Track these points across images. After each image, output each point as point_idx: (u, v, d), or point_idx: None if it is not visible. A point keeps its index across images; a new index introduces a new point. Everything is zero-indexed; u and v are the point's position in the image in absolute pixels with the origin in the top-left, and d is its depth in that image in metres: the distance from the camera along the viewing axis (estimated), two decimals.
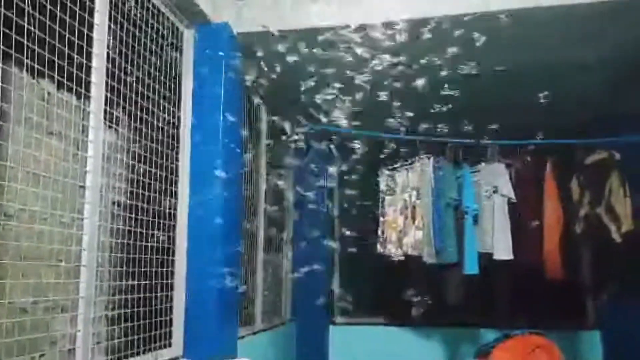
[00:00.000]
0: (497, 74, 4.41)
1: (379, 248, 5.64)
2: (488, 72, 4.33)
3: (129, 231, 3.05)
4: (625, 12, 3.62)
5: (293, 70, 4.05)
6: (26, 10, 2.26)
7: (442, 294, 5.95)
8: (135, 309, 3.07)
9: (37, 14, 2.31)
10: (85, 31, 2.63)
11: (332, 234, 6.80)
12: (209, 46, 3.75)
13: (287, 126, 5.42)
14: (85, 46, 2.62)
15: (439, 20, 3.65)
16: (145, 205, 3.18)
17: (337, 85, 4.20)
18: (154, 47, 3.32)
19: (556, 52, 4.13)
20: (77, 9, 2.56)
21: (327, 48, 3.89)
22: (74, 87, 2.57)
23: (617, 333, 5.89)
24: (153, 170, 3.28)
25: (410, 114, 4.71)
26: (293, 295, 6.19)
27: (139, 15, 3.16)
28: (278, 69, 4.13)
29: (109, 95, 2.82)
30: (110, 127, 2.88)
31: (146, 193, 3.20)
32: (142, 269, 3.14)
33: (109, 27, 2.85)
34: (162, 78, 3.41)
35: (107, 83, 2.80)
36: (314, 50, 3.92)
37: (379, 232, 5.67)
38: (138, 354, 3.04)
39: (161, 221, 3.37)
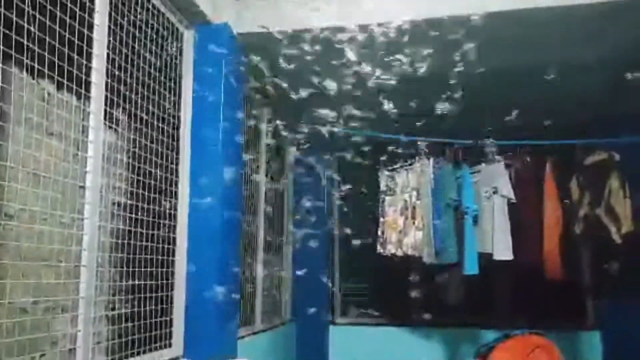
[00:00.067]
0: (497, 74, 4.41)
1: (379, 248, 5.64)
2: (488, 72, 4.33)
3: (129, 231, 3.05)
4: (625, 12, 3.62)
5: (293, 70, 4.05)
6: (26, 11, 2.26)
7: (442, 294, 5.96)
8: (136, 309, 3.07)
9: (37, 15, 2.31)
10: (85, 32, 2.63)
11: (332, 235, 6.80)
12: (209, 47, 3.75)
13: (287, 126, 5.43)
14: (85, 47, 2.62)
15: (438, 20, 3.65)
16: (145, 206, 3.19)
17: (338, 84, 4.20)
18: (154, 47, 3.32)
19: (556, 52, 4.13)
20: (77, 10, 2.56)
21: (327, 48, 3.89)
22: (74, 87, 2.58)
23: (617, 333, 5.89)
24: (153, 171, 3.28)
25: (410, 115, 4.72)
26: (293, 296, 6.19)
27: (138, 15, 3.16)
28: (278, 68, 4.14)
29: (109, 95, 2.82)
30: (110, 127, 2.88)
31: (146, 193, 3.20)
32: (142, 269, 3.14)
33: (109, 27, 2.85)
34: (162, 78, 3.42)
35: (107, 83, 2.81)
36: (314, 50, 3.92)
37: (379, 233, 5.67)
38: (138, 354, 3.04)
39: (161, 221, 3.37)
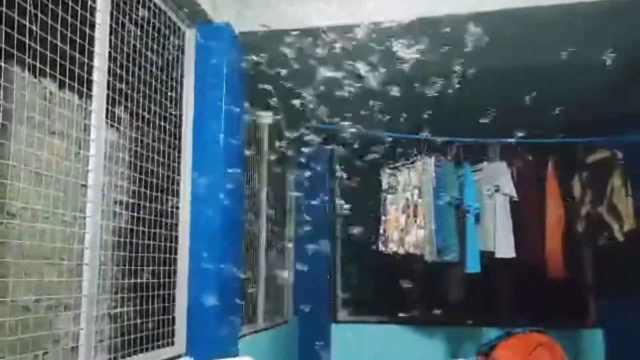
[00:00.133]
0: (497, 73, 4.41)
1: (381, 246, 5.65)
2: (489, 71, 4.33)
3: (131, 230, 3.06)
4: (626, 11, 3.61)
5: (294, 69, 4.05)
6: (28, 10, 2.26)
7: (444, 292, 5.97)
8: (138, 307, 3.08)
9: (38, 13, 2.32)
10: (87, 30, 2.64)
11: (334, 233, 6.81)
12: (210, 45, 3.76)
13: (288, 125, 5.43)
14: (87, 45, 2.63)
15: (438, 19, 3.65)
16: (147, 204, 3.19)
17: (338, 84, 4.21)
18: (155, 46, 3.32)
19: (557, 51, 4.12)
20: (79, 9, 2.57)
21: (327, 47, 3.89)
22: (76, 86, 2.58)
23: (619, 331, 5.89)
24: (155, 169, 3.29)
25: (411, 113, 4.73)
26: (295, 294, 6.20)
27: (140, 14, 3.16)
28: (279, 67, 4.14)
29: (110, 94, 2.83)
30: (112, 126, 2.89)
31: (148, 192, 3.21)
32: (145, 268, 3.15)
33: (111, 26, 2.85)
34: (163, 77, 3.42)
35: (108, 82, 2.81)
36: (315, 49, 3.92)
37: (381, 231, 5.67)
38: (140, 351, 3.05)
39: (163, 220, 3.37)
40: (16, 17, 2.19)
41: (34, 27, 2.29)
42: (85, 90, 2.64)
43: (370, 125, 4.77)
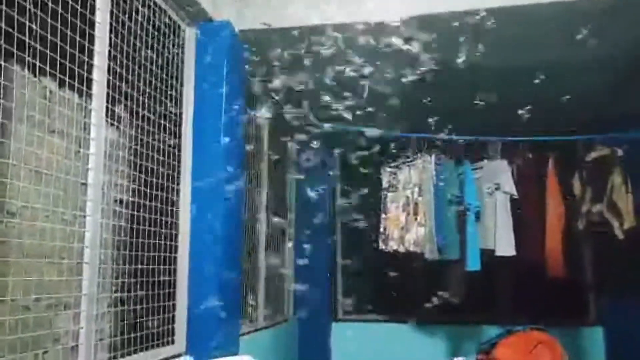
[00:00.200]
0: (497, 71, 4.41)
1: (381, 245, 5.65)
2: (489, 69, 4.33)
3: (132, 228, 3.05)
4: (626, 8, 3.61)
5: (294, 67, 4.05)
6: (28, 8, 2.26)
7: (444, 290, 5.97)
8: (138, 306, 3.08)
9: (38, 12, 2.32)
10: (87, 29, 2.63)
11: (334, 231, 6.81)
12: (210, 44, 3.75)
13: (289, 123, 5.43)
14: (86, 44, 2.62)
15: (437, 18, 3.65)
16: (147, 203, 3.19)
17: (338, 83, 4.20)
18: (155, 44, 3.32)
19: (557, 49, 4.12)
20: (79, 7, 2.56)
21: (328, 45, 3.89)
22: (76, 85, 2.58)
23: (620, 329, 5.89)
24: (155, 168, 3.29)
25: (412, 112, 4.72)
26: (295, 293, 6.20)
27: (140, 13, 3.16)
28: (280, 65, 4.13)
29: (110, 93, 2.83)
30: (112, 124, 2.89)
31: (148, 190, 3.20)
32: (145, 266, 3.14)
33: (111, 25, 2.85)
34: (163, 76, 3.42)
35: (108, 81, 2.81)
36: (315, 47, 3.92)
37: (381, 229, 5.67)
38: (141, 350, 3.05)
39: (163, 218, 3.37)
40: (16, 16, 2.19)
41: (33, 26, 2.29)
42: (85, 89, 2.64)
43: (371, 123, 4.76)
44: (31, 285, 2.34)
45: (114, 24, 2.88)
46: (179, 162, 3.59)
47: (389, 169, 5.74)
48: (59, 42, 2.42)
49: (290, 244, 6.15)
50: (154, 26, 3.30)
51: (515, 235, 5.20)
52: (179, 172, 3.58)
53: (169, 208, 3.45)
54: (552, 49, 4.10)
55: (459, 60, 4.16)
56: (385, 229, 5.63)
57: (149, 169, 3.23)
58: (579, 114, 5.26)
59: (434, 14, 3.66)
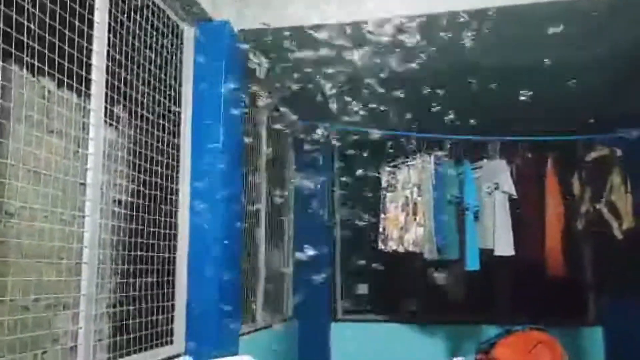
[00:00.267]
0: (497, 71, 4.41)
1: (380, 245, 5.65)
2: (488, 69, 4.33)
3: (130, 228, 3.05)
4: (626, 8, 3.61)
5: (294, 66, 4.05)
6: (26, 9, 2.26)
7: (443, 290, 5.97)
8: (137, 307, 3.08)
9: (37, 12, 2.31)
10: (86, 29, 2.63)
11: (334, 231, 6.80)
12: (209, 44, 3.75)
13: (288, 123, 5.43)
14: (85, 44, 2.62)
15: (437, 17, 3.65)
16: (146, 203, 3.19)
17: (338, 82, 4.20)
18: (154, 44, 3.32)
19: (556, 48, 4.12)
20: (77, 7, 2.56)
21: (328, 45, 3.89)
22: (75, 85, 2.58)
23: (619, 329, 5.89)
24: (154, 168, 3.28)
25: (412, 111, 4.72)
26: (295, 292, 6.19)
27: (139, 13, 3.16)
28: (279, 65, 4.13)
29: (109, 93, 2.82)
30: (110, 124, 2.88)
31: (147, 191, 3.20)
32: (144, 267, 3.14)
33: (109, 25, 2.85)
34: (162, 76, 3.41)
35: (107, 81, 2.80)
36: (315, 47, 3.92)
37: (380, 229, 5.67)
38: (140, 350, 3.05)
39: (162, 218, 3.37)
40: (14, 16, 2.19)
41: (32, 26, 2.29)
42: (83, 88, 2.64)
43: (371, 123, 4.76)
44: (30, 286, 2.34)
45: (112, 23, 2.88)
46: (177, 162, 3.58)
47: (388, 169, 5.74)
48: (57, 42, 2.42)
49: (289, 244, 6.14)
50: (152, 26, 3.30)
51: (515, 235, 5.20)
52: (177, 172, 3.58)
53: (168, 208, 3.44)
54: (552, 49, 4.10)
55: (459, 60, 4.16)
56: (384, 229, 5.63)
57: (148, 169, 3.22)
58: (579, 114, 5.26)
59: (433, 13, 3.65)
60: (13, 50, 2.20)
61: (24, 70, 2.31)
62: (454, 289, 5.89)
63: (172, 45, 3.55)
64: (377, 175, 5.82)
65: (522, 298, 6.02)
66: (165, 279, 3.38)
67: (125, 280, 2.99)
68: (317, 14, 3.75)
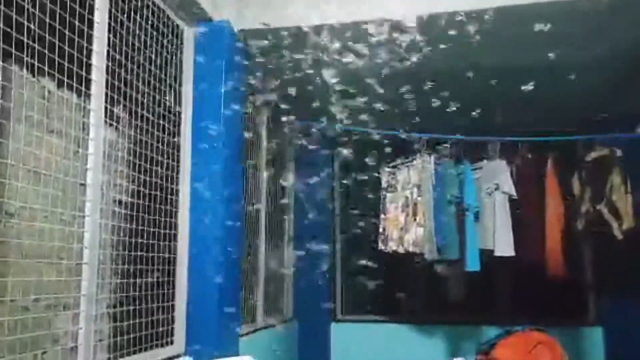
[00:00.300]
0: (496, 71, 4.41)
1: (381, 245, 5.64)
2: (488, 69, 4.33)
3: (130, 229, 3.05)
4: (626, 9, 3.61)
5: (294, 66, 4.05)
6: (26, 9, 2.26)
7: (443, 290, 5.97)
8: (137, 307, 3.07)
9: (37, 12, 2.31)
10: (86, 29, 2.63)
11: (334, 232, 6.80)
12: (209, 44, 3.75)
13: (288, 123, 5.43)
14: (85, 44, 2.62)
15: (436, 17, 3.65)
16: (146, 203, 3.19)
17: (338, 82, 4.20)
18: (154, 44, 3.31)
19: (556, 49, 4.12)
20: (77, 7, 2.56)
21: (328, 45, 3.89)
22: (75, 85, 2.58)
23: (619, 329, 5.89)
24: (154, 168, 3.28)
25: (411, 111, 4.72)
26: (295, 293, 6.19)
27: (139, 13, 3.16)
28: (279, 65, 4.13)
29: (109, 93, 2.82)
30: (110, 124, 2.88)
31: (147, 191, 3.20)
32: (144, 267, 3.14)
33: (109, 25, 2.85)
34: (162, 76, 3.41)
35: (107, 81, 2.80)
36: (315, 47, 3.92)
37: (380, 229, 5.67)
38: (140, 351, 3.05)
39: (163, 219, 3.37)
40: (15, 16, 2.19)
41: (32, 26, 2.28)
42: (83, 89, 2.64)
43: (371, 123, 4.76)
44: (30, 286, 2.34)
45: (112, 24, 2.88)
46: (178, 162, 3.58)
47: (387, 169, 5.74)
48: (57, 42, 2.42)
49: (289, 245, 6.14)
50: (153, 26, 3.29)
51: (515, 235, 5.20)
52: (178, 172, 3.57)
53: (168, 208, 3.44)
54: (552, 49, 4.10)
55: (458, 60, 4.16)
56: (384, 229, 5.63)
57: (148, 169, 3.22)
58: (579, 114, 5.26)
59: (433, 14, 3.65)
60: (13, 51, 2.19)
61: (24, 70, 2.31)
62: (454, 290, 5.89)
63: (172, 45, 3.55)
64: (377, 175, 5.81)
65: (522, 298, 6.02)
66: (166, 279, 3.38)
67: (125, 281, 2.99)
68: (317, 14, 3.75)
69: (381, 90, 4.29)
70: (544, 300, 5.74)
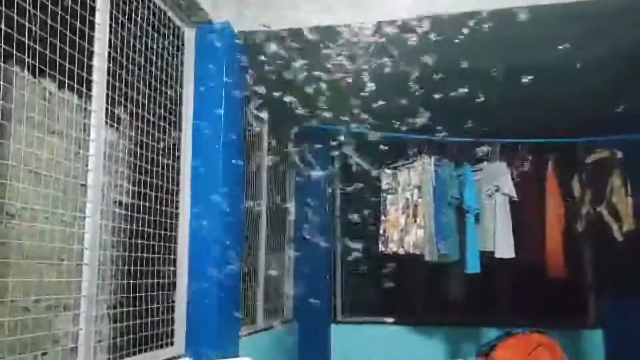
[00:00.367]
0: (496, 72, 4.41)
1: (381, 247, 5.64)
2: (488, 70, 4.33)
3: (131, 230, 3.05)
4: (626, 10, 3.61)
5: (294, 68, 4.05)
6: (27, 10, 2.26)
7: (443, 292, 5.97)
8: (137, 308, 3.07)
9: (38, 13, 2.32)
10: (87, 30, 2.63)
11: (334, 233, 6.80)
12: (210, 45, 3.75)
13: (288, 125, 5.43)
14: (86, 45, 2.62)
15: (436, 19, 3.65)
16: (147, 204, 3.19)
17: (338, 84, 4.21)
18: (155, 46, 3.32)
19: (556, 50, 4.12)
20: (79, 8, 2.56)
21: (328, 46, 3.89)
22: (76, 86, 2.58)
23: (619, 331, 5.89)
24: (154, 169, 3.28)
25: (412, 113, 4.72)
26: (295, 294, 6.19)
27: (140, 14, 3.16)
28: (279, 66, 4.13)
29: (110, 94, 2.82)
30: (111, 125, 2.89)
31: (148, 192, 3.20)
32: (144, 268, 3.14)
33: (110, 26, 2.85)
34: (163, 77, 3.42)
35: (108, 82, 2.81)
36: (315, 48, 3.92)
37: (381, 231, 5.67)
38: (140, 352, 3.05)
39: (163, 220, 3.37)
40: (16, 17, 2.19)
41: (33, 27, 2.29)
42: (84, 90, 2.64)
43: (371, 124, 4.76)
44: (31, 287, 2.34)
45: (113, 25, 2.88)
46: (178, 163, 3.58)
47: (388, 171, 5.75)
48: (58, 44, 2.42)
49: (289, 246, 6.14)
50: (153, 27, 3.30)
51: (515, 237, 5.20)
52: (178, 173, 3.58)
53: (169, 209, 3.44)
54: (551, 50, 4.10)
55: (458, 61, 4.16)
56: (384, 231, 5.63)
57: (149, 170, 3.22)
58: (579, 114, 5.26)
59: (433, 15, 3.65)
60: (14, 52, 2.20)
61: (25, 71, 2.31)
62: (454, 291, 5.89)
63: (172, 46, 3.55)
64: (377, 177, 5.82)
65: (523, 300, 6.02)
66: (166, 280, 3.38)
67: (126, 282, 2.99)
68: (317, 15, 3.75)
69: (382, 92, 4.30)
70: (544, 302, 5.74)
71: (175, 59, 3.58)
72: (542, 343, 4.98)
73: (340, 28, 3.78)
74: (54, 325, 2.45)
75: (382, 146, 5.09)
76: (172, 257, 3.47)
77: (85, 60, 2.61)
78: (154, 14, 3.31)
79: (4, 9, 2.13)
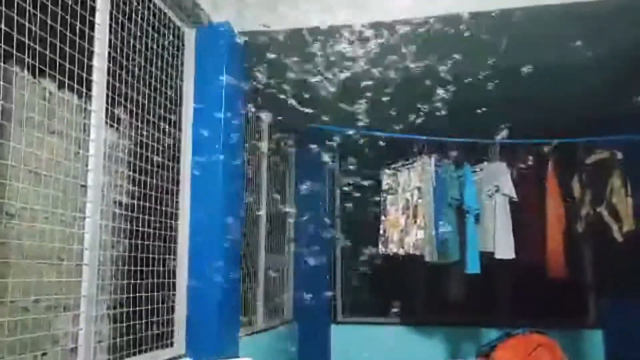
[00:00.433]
0: (497, 73, 4.41)
1: (381, 247, 5.64)
2: (489, 71, 4.32)
3: (131, 230, 3.05)
4: (626, 10, 3.61)
5: (294, 68, 4.05)
6: (27, 10, 2.26)
7: (443, 293, 5.96)
8: (137, 308, 3.07)
9: (38, 13, 2.31)
10: (87, 30, 2.63)
11: (334, 234, 6.80)
12: (210, 45, 3.75)
13: (288, 125, 5.43)
14: (86, 45, 2.62)
15: (434, 20, 3.65)
16: (146, 204, 3.19)
17: (339, 84, 4.20)
18: (155, 46, 3.32)
19: (557, 50, 4.12)
20: (79, 8, 2.56)
21: (328, 46, 3.89)
22: (75, 86, 2.58)
23: (619, 332, 5.89)
24: (155, 169, 3.28)
25: (412, 113, 4.72)
26: (295, 295, 6.19)
27: (140, 14, 3.16)
28: (279, 66, 4.14)
29: (110, 94, 2.82)
30: (111, 126, 2.88)
31: (148, 192, 3.20)
32: (144, 268, 3.14)
33: (110, 26, 2.85)
34: (163, 77, 3.42)
35: (108, 82, 2.81)
36: (315, 48, 3.92)
37: (381, 232, 5.67)
38: (140, 352, 3.05)
39: (163, 220, 3.37)
40: (16, 17, 2.19)
41: (33, 27, 2.29)
42: (84, 90, 2.64)
43: (371, 125, 4.76)
44: (30, 287, 2.34)
45: (113, 25, 2.88)
46: (178, 163, 3.58)
47: (388, 171, 5.74)
48: (58, 44, 2.42)
49: (290, 247, 6.14)
50: (153, 27, 3.30)
51: (515, 237, 5.19)
52: (178, 174, 3.58)
53: (169, 210, 3.44)
54: (551, 51, 4.10)
55: (458, 62, 4.15)
56: (385, 231, 5.62)
57: (149, 170, 3.22)
58: (579, 114, 5.25)
59: (431, 16, 3.65)
60: (14, 52, 2.20)
61: (25, 71, 2.31)
62: (454, 292, 5.88)
63: (172, 46, 3.55)
64: (377, 177, 5.82)
65: (523, 300, 6.02)
66: (166, 280, 3.38)
67: (125, 282, 2.99)
68: (317, 15, 3.75)
69: (382, 93, 4.29)
70: (544, 302, 5.74)
71: (175, 59, 3.58)
72: (542, 343, 4.97)
73: (340, 28, 3.78)
74: (53, 326, 2.44)
75: (381, 143, 5.10)
76: (172, 257, 3.46)
77: (85, 60, 2.61)
78: (154, 14, 3.31)
79: (4, 9, 2.13)
